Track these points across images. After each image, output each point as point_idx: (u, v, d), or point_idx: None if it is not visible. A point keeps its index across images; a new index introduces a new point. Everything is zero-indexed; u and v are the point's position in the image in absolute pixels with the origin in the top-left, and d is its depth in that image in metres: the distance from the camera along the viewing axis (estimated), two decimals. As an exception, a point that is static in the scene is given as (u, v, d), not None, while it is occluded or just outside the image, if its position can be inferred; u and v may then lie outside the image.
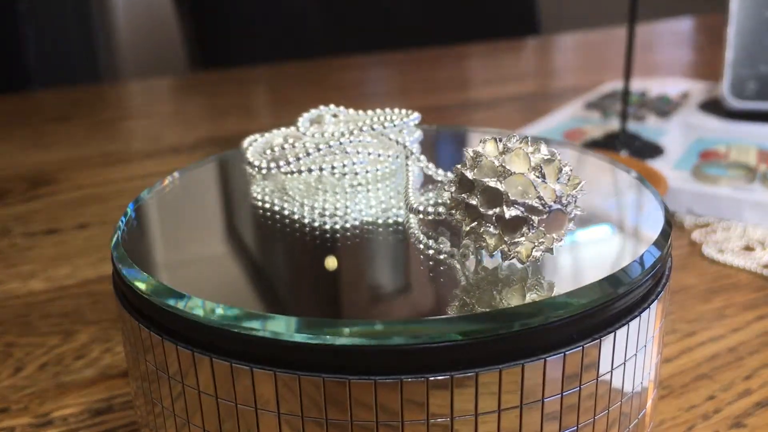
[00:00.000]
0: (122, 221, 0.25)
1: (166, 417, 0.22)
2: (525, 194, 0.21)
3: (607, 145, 0.54)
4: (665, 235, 0.23)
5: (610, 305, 0.20)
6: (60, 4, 1.15)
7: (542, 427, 0.20)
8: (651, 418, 0.24)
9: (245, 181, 0.32)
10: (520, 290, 0.20)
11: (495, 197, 0.21)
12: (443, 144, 0.36)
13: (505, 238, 0.21)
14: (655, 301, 0.22)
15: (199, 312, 0.20)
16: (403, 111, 0.31)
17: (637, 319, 0.21)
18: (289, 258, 0.25)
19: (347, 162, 0.29)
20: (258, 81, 0.94)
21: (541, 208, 0.21)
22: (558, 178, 0.21)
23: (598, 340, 0.20)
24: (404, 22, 1.13)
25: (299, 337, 0.19)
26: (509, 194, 0.21)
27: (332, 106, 0.32)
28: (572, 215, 0.21)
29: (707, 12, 1.23)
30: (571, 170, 0.21)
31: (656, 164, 0.51)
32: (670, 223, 0.24)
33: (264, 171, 0.30)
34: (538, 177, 0.21)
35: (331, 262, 0.24)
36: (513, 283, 0.21)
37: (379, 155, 0.29)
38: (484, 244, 0.21)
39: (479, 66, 1.00)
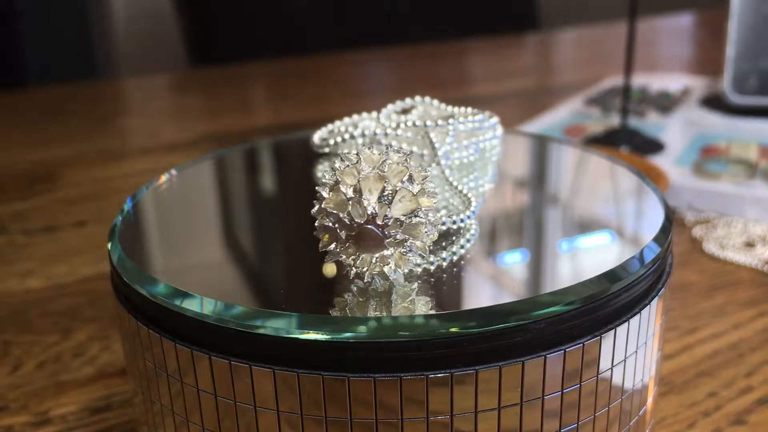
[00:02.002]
0: (119, 218, 0.25)
1: (165, 415, 0.22)
2: (341, 207, 0.20)
3: (607, 141, 0.54)
4: (665, 231, 0.23)
5: (610, 301, 0.20)
6: (58, 1, 1.15)
7: (542, 424, 0.20)
8: (652, 415, 0.24)
9: (243, 177, 0.32)
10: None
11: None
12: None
13: (320, 246, 0.21)
14: (656, 297, 0.22)
15: (198, 309, 0.19)
16: (471, 110, 0.30)
17: (638, 315, 0.21)
18: (289, 254, 0.25)
19: None
20: (256, 77, 0.94)
21: (348, 223, 0.20)
22: (380, 198, 0.20)
23: (599, 337, 0.20)
24: (404, 18, 1.13)
25: (298, 335, 0.18)
26: (325, 203, 0.20)
27: (428, 98, 0.31)
28: (397, 240, 0.20)
29: (708, 7, 1.22)
30: (402, 191, 0.20)
31: (657, 160, 0.51)
32: (671, 219, 0.24)
33: (318, 150, 0.30)
34: (354, 193, 0.20)
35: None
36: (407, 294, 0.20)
37: (411, 152, 0.29)
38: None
39: (479, 62, 0.99)
